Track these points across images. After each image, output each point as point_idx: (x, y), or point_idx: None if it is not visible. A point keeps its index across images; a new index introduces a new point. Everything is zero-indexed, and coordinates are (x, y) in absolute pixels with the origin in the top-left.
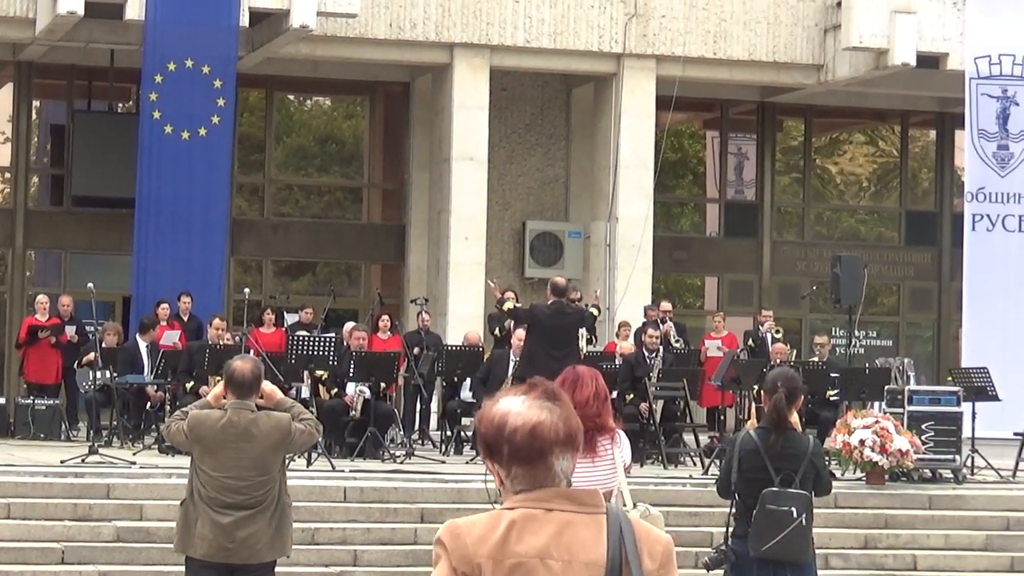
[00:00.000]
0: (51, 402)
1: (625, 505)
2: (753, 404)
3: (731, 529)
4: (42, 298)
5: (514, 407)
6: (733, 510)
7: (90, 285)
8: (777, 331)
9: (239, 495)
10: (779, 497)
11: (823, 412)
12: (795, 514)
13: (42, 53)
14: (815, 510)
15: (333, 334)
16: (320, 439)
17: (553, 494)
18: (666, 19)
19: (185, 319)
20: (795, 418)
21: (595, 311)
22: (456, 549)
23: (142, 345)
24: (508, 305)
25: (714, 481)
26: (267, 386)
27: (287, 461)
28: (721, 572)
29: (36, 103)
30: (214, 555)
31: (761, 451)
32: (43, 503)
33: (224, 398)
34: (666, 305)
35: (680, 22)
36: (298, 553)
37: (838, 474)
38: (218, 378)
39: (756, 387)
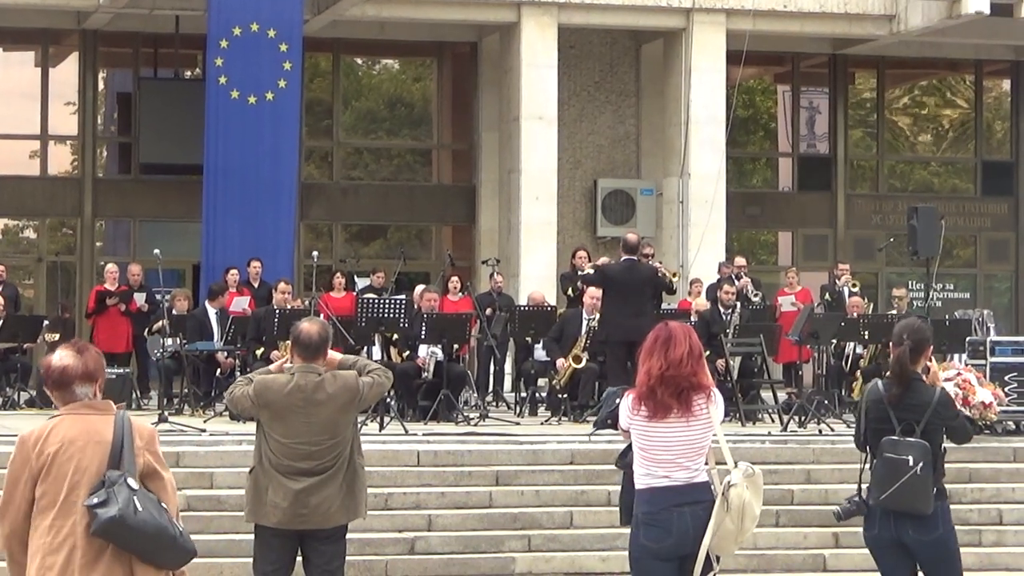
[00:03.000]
0: (121, 371)
1: (725, 463)
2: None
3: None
4: (111, 267)
5: (55, 357)
6: (865, 464)
7: (156, 252)
8: (854, 284)
9: (311, 460)
10: (897, 445)
11: None
12: (911, 462)
13: (107, 21)
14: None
15: (403, 296)
16: (392, 401)
17: (80, 405)
18: None
19: (256, 285)
20: (934, 368)
21: (673, 280)
22: (19, 455)
23: (211, 312)
24: (580, 273)
25: (792, 437)
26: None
27: (359, 425)
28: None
29: (102, 72)
30: (288, 522)
31: (884, 401)
32: None
33: (290, 362)
34: (740, 260)
35: None
36: (371, 519)
37: None
38: (287, 343)
39: (835, 341)
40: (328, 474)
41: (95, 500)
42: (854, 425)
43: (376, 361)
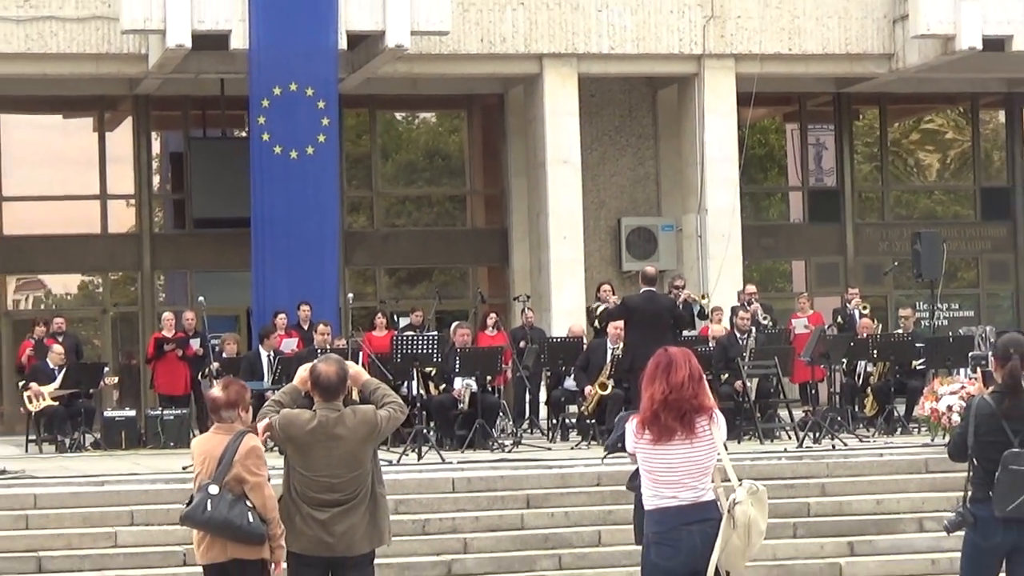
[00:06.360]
0: (179, 412)
1: (729, 481)
2: (980, 371)
3: (970, 494)
4: (167, 315)
5: (211, 391)
6: (971, 474)
7: (201, 299)
8: (864, 307)
9: (334, 492)
10: (1020, 457)
11: (911, 381)
12: None
13: (156, 86)
14: None
15: (436, 333)
16: (431, 432)
17: (218, 427)
18: (742, 19)
19: (305, 327)
20: None
21: (701, 302)
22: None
23: (263, 354)
24: (600, 309)
25: (807, 453)
26: (352, 368)
27: (399, 456)
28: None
29: (155, 134)
30: (314, 549)
31: (998, 415)
32: (164, 508)
33: (311, 393)
34: (750, 287)
35: (756, 21)
36: (410, 543)
37: (928, 440)
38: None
39: (845, 360)
40: (351, 504)
41: (188, 501)
42: (950, 437)
43: (412, 395)
